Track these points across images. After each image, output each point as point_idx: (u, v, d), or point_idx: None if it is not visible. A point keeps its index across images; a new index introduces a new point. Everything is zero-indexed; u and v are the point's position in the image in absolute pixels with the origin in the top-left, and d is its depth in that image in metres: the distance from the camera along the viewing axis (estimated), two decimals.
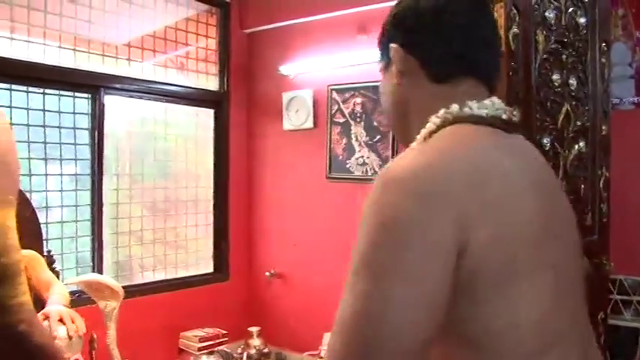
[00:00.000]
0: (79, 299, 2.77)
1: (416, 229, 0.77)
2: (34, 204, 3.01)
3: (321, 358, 3.53)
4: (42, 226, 3.01)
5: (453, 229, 0.77)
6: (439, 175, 0.80)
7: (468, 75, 0.97)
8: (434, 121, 0.94)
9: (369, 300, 0.77)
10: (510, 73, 1.79)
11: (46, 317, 1.84)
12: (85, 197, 3.52)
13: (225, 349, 3.64)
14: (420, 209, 0.77)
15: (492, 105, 0.95)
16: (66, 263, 3.41)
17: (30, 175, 3.24)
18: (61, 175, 3.41)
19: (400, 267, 0.77)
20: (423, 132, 0.95)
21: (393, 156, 3.56)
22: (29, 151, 3.24)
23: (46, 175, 3.34)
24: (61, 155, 3.39)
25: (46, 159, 3.33)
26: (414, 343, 0.75)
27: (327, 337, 3.65)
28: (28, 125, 3.21)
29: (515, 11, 1.77)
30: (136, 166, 3.84)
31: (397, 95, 1.03)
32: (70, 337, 1.79)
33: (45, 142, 3.30)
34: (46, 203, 3.33)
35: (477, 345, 0.81)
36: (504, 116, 0.95)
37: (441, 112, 0.94)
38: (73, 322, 1.87)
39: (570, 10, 2.05)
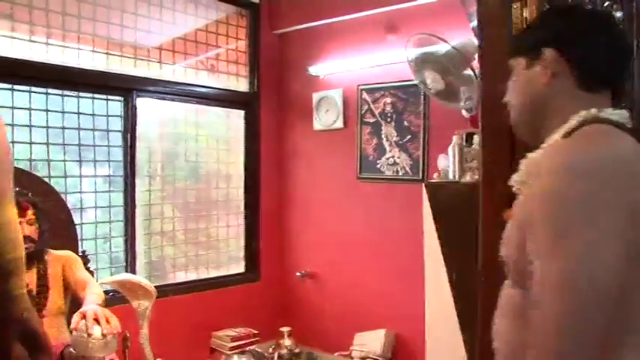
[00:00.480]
0: (113, 298, 2.80)
1: (603, 206, 0.92)
2: (69, 205, 3.07)
3: (352, 358, 3.51)
4: (77, 226, 3.07)
5: (627, 210, 0.92)
6: (615, 161, 0.96)
7: (608, 87, 1.11)
8: (576, 119, 1.07)
9: (579, 260, 0.91)
10: None
11: (83, 316, 1.86)
12: (118, 198, 3.56)
13: (257, 349, 3.64)
14: (604, 189, 0.93)
15: (621, 113, 1.08)
16: (100, 263, 3.46)
17: (65, 177, 3.30)
18: (95, 176, 3.47)
19: (597, 233, 0.92)
20: (565, 127, 1.07)
21: (423, 156, 3.51)
22: (64, 154, 3.29)
23: (81, 176, 3.39)
24: (95, 157, 3.45)
25: (80, 161, 3.38)
26: (614, 288, 0.92)
27: (358, 338, 3.64)
28: (63, 128, 3.26)
29: (548, 7, 1.72)
30: (168, 167, 3.87)
31: (540, 94, 1.13)
32: (104, 336, 1.80)
33: (79, 145, 3.36)
34: (81, 204, 3.38)
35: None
36: (629, 125, 1.08)
37: (582, 112, 1.07)
38: (108, 322, 1.89)
39: (606, 4, 1.98)
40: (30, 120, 3.12)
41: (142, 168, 3.67)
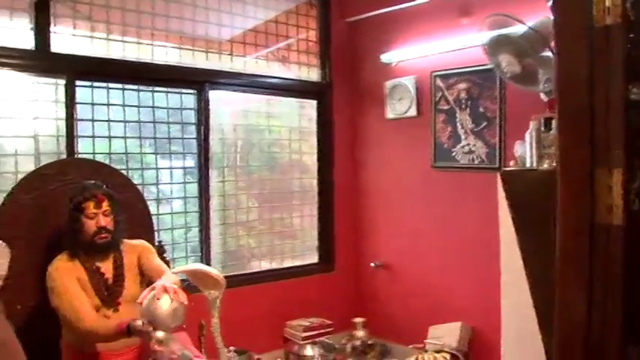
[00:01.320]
0: (186, 287, 2.83)
1: None
2: (149, 197, 3.15)
3: (426, 351, 3.40)
4: (153, 217, 3.13)
5: None
6: None
7: None
8: None
9: None
10: (629, 46, 1.57)
11: (152, 288, 1.94)
12: (194, 189, 3.62)
13: (327, 340, 3.61)
14: None
15: None
16: (176, 253, 3.54)
17: (142, 169, 3.39)
18: (171, 168, 3.55)
19: None
20: None
21: (500, 143, 3.33)
22: (141, 147, 3.38)
23: (157, 168, 3.47)
24: (170, 150, 3.52)
25: (156, 153, 3.46)
26: None
27: (433, 330, 3.52)
28: (139, 122, 3.35)
29: None
30: (243, 158, 3.90)
31: None
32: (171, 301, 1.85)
33: (155, 138, 3.44)
34: (157, 196, 3.46)
35: None
36: None
37: None
38: (175, 292, 1.95)
39: None
40: (108, 115, 3.23)
41: (216, 159, 3.72)
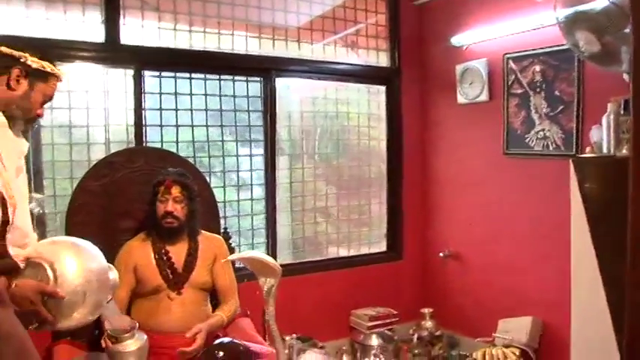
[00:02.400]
0: (243, 275, 2.82)
1: None
2: (213, 183, 3.19)
3: (495, 345, 3.25)
4: (220, 204, 3.16)
5: None
6: None
7: None
8: None
9: None
10: None
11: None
12: (261, 176, 3.63)
13: (386, 332, 3.53)
14: None
15: None
16: (243, 239, 3.57)
17: (209, 157, 3.43)
18: (237, 156, 3.57)
19: None
20: None
21: (577, 128, 3.10)
22: (207, 135, 3.42)
23: (223, 156, 3.51)
24: (236, 137, 3.55)
25: (223, 141, 3.50)
26: None
27: (502, 324, 3.37)
28: (206, 110, 3.39)
29: None
30: (309, 145, 3.88)
31: None
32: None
33: (222, 126, 3.48)
34: (224, 183, 3.50)
35: None
36: None
37: None
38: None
39: None
40: (176, 104, 3.29)
41: (283, 146, 3.71)
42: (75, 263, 1.55)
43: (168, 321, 2.29)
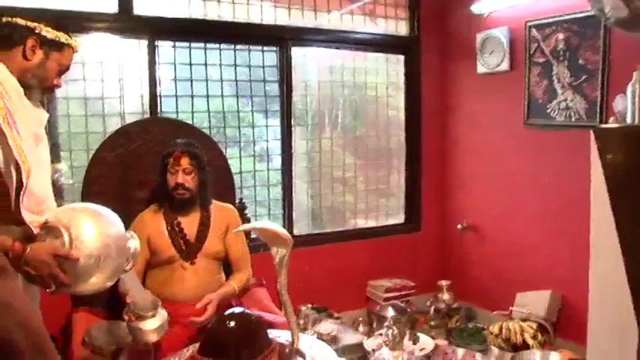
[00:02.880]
0: (256, 245, 2.83)
1: None
2: (229, 154, 3.18)
3: (512, 319, 3.22)
4: (236, 175, 3.15)
5: None
6: None
7: None
8: None
9: None
10: None
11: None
12: (277, 146, 3.62)
13: (399, 303, 3.51)
14: None
15: None
16: (261, 209, 3.57)
17: (225, 127, 3.41)
18: (253, 126, 3.55)
19: None
20: None
21: (602, 98, 3.00)
22: (223, 105, 3.39)
23: (239, 126, 3.49)
24: (252, 107, 3.52)
25: (238, 111, 3.47)
26: None
27: (520, 297, 3.34)
28: (221, 80, 3.36)
29: None
30: (327, 115, 3.83)
31: None
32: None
33: (237, 96, 3.46)
34: (239, 153, 3.48)
35: None
36: None
37: None
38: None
39: None
40: (191, 74, 3.26)
41: (300, 116, 3.68)
42: (92, 227, 1.55)
43: (182, 290, 2.32)
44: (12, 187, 1.51)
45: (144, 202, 2.56)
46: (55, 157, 2.94)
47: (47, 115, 1.77)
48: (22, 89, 1.62)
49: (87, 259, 1.50)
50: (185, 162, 2.35)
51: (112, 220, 1.66)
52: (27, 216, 1.54)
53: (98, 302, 2.70)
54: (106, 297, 2.71)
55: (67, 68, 1.76)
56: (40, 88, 1.71)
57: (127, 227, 2.31)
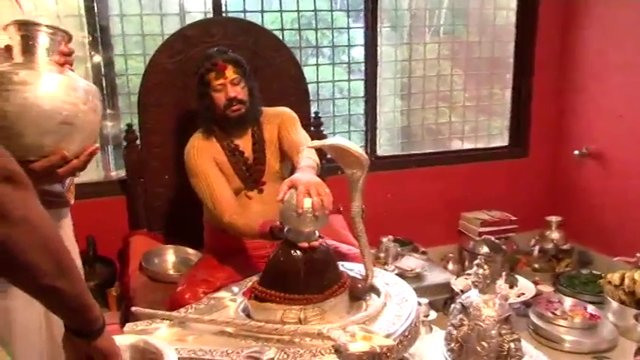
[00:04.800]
0: (337, 166, 2.86)
1: None
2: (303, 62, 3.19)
3: (638, 268, 3.11)
4: (310, 85, 3.16)
5: None
6: None
7: None
8: None
9: None
10: None
11: (293, 185, 1.86)
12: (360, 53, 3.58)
13: (496, 240, 3.46)
14: None
15: None
16: (338, 127, 3.60)
17: (299, 29, 3.41)
18: (332, 28, 3.51)
19: None
20: None
21: None
22: (298, 4, 3.36)
23: (316, 28, 3.46)
24: (331, 6, 3.48)
25: (315, 11, 3.43)
26: None
27: None
28: None
29: None
30: (418, 17, 3.72)
31: None
32: (314, 212, 1.81)
33: None
34: (316, 60, 3.48)
35: None
36: None
37: None
38: (320, 195, 1.83)
39: None
40: None
41: (387, 18, 3.61)
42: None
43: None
44: None
45: None
46: (108, 61, 3.05)
47: None
48: None
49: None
50: (230, 72, 2.31)
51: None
52: None
53: (157, 225, 2.89)
54: (164, 221, 2.90)
55: None
56: None
57: (183, 149, 2.39)
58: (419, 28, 3.74)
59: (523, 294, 2.94)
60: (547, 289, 3.26)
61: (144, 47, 3.11)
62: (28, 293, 0.99)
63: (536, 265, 3.54)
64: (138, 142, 2.83)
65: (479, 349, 1.85)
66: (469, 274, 2.83)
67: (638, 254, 3.23)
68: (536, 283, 3.13)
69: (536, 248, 3.58)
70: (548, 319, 2.88)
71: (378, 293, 1.91)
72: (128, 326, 1.71)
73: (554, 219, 3.66)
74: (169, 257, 2.75)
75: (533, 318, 2.91)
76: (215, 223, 2.35)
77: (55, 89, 1.16)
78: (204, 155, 2.33)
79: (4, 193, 0.87)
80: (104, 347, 1.08)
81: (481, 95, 3.98)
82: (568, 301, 3.01)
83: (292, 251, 1.80)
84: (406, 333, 1.69)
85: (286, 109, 2.51)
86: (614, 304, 2.96)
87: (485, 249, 3.40)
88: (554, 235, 3.63)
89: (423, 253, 3.47)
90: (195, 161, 2.32)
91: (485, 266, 2.27)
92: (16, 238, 0.88)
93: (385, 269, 2.83)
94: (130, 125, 2.85)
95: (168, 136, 2.80)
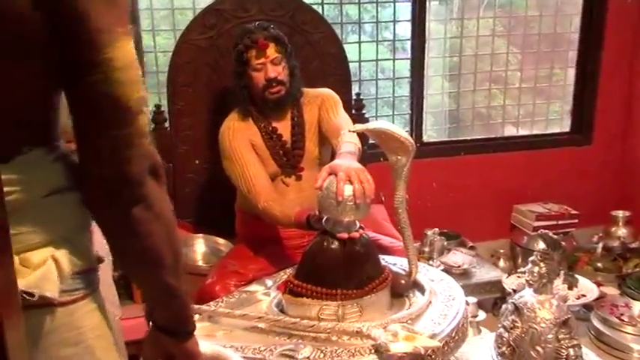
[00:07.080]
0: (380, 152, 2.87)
1: None
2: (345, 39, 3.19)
3: None
4: (351, 65, 3.16)
5: None
6: None
7: None
8: None
9: None
10: None
11: (333, 172, 1.88)
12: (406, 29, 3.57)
13: (554, 236, 3.41)
14: None
15: None
16: (380, 110, 3.60)
17: (341, 3, 3.40)
18: (377, 2, 3.50)
19: None
20: None
21: None
22: None
23: (359, 2, 3.45)
24: None
25: None
26: None
27: None
28: None
29: None
30: None
31: None
32: (355, 200, 1.82)
33: None
34: (359, 37, 3.48)
35: None
36: None
37: None
38: (361, 183, 1.86)
39: None
40: None
41: None
42: None
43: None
44: None
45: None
46: (134, 37, 3.10)
47: None
48: None
49: None
50: (272, 51, 2.32)
51: None
52: None
53: (186, 213, 2.93)
54: (194, 207, 2.94)
55: None
56: None
57: (215, 132, 2.42)
58: (471, 1, 3.71)
59: (584, 295, 2.91)
60: (611, 291, 3.22)
61: (173, 22, 3.16)
62: (141, 287, 1.10)
63: (599, 265, 3.48)
64: (167, 124, 2.87)
65: (533, 354, 1.84)
66: (522, 272, 2.82)
67: None
68: (598, 285, 3.08)
69: (600, 246, 3.52)
70: (613, 324, 2.81)
71: (422, 290, 1.93)
72: None
73: (620, 214, 3.61)
74: (198, 247, 2.79)
75: (596, 323, 2.85)
76: (249, 209, 2.37)
77: None
78: (240, 137, 2.35)
79: (153, 186, 0.96)
80: (190, 349, 1.13)
81: (539, 76, 3.93)
82: (637, 306, 2.94)
83: (330, 242, 1.82)
84: (452, 334, 1.70)
85: (329, 90, 2.54)
86: None
87: (541, 245, 3.34)
88: (621, 231, 3.58)
89: (471, 248, 3.46)
90: (230, 143, 2.34)
91: (542, 264, 2.27)
92: (153, 231, 0.94)
93: (430, 264, 2.84)
94: (158, 106, 2.87)
95: (199, 118, 2.83)
